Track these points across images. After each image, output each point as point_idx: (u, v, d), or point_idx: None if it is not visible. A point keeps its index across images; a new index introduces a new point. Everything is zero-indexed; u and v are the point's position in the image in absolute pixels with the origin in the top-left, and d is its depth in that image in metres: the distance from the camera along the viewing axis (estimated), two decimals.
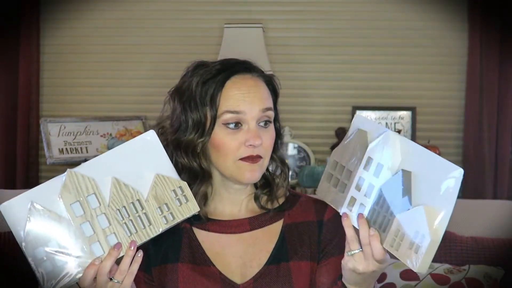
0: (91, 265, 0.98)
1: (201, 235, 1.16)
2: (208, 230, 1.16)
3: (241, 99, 1.10)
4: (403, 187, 0.94)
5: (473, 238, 1.88)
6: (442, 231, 0.90)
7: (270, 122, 1.14)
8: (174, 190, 1.04)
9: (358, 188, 1.02)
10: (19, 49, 2.86)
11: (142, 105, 2.95)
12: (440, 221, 0.90)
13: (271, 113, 1.13)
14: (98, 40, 2.98)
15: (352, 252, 1.00)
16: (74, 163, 2.77)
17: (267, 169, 1.19)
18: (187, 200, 1.04)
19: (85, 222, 1.00)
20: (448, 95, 2.92)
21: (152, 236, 1.02)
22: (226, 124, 1.10)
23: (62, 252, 0.98)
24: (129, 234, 1.01)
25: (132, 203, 1.02)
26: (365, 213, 1.00)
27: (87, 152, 2.77)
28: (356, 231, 1.01)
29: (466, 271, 1.76)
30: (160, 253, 1.13)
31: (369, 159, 1.00)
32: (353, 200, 1.03)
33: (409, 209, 0.93)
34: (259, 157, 1.10)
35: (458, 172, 0.89)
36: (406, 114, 2.90)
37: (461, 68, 2.88)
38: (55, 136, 2.75)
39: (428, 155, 0.93)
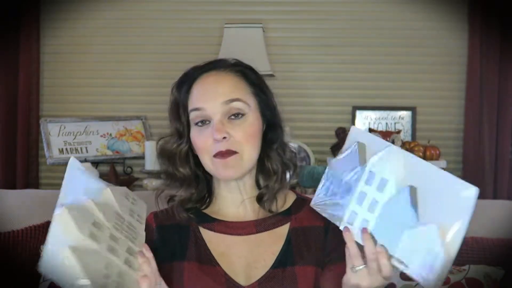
0: (142, 279, 0.98)
1: (207, 234, 1.16)
2: (214, 230, 1.16)
3: (201, 96, 1.11)
4: (410, 203, 0.91)
5: (473, 238, 1.87)
6: (456, 246, 0.87)
7: (242, 114, 1.11)
8: (126, 196, 1.07)
9: (359, 202, 0.99)
10: (19, 49, 2.87)
11: (142, 105, 2.95)
12: (453, 236, 0.88)
13: (239, 104, 1.10)
14: (98, 40, 2.98)
15: (357, 269, 0.97)
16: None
17: (269, 170, 1.18)
18: (135, 200, 1.09)
19: (107, 247, 0.96)
20: (448, 95, 2.92)
21: (144, 237, 1.04)
22: (196, 123, 1.11)
23: (112, 281, 0.94)
24: (134, 242, 1.02)
25: (116, 216, 1.01)
26: (370, 228, 0.96)
27: (87, 152, 2.77)
28: (359, 246, 0.98)
29: (466, 271, 1.76)
30: (167, 251, 1.13)
31: (371, 174, 0.97)
32: (353, 215, 1.00)
33: (417, 226, 0.90)
34: (230, 152, 1.08)
35: (473, 191, 0.87)
36: (406, 114, 2.90)
37: (461, 68, 2.88)
38: (55, 136, 2.75)
39: (436, 171, 0.91)
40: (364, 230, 0.96)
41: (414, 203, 0.91)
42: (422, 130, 2.90)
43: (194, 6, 2.98)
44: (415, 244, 0.89)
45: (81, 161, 2.79)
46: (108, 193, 1.02)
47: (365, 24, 2.94)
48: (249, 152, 1.11)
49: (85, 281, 0.88)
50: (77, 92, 3.00)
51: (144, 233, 1.05)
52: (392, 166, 0.95)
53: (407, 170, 0.94)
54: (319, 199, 1.07)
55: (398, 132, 2.82)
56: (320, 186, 1.07)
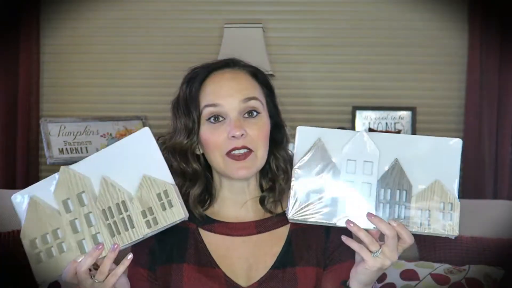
0: (72, 262, 1.00)
1: (207, 236, 1.15)
2: (214, 232, 1.15)
3: (218, 92, 1.10)
4: (401, 173, 1.00)
5: (473, 238, 1.88)
6: (457, 190, 1.01)
7: (257, 112, 1.11)
8: (159, 194, 1.00)
9: (350, 192, 1.01)
10: (19, 49, 2.86)
11: (142, 105, 2.95)
12: (455, 183, 1.00)
13: (255, 103, 1.11)
14: (98, 40, 2.98)
15: (378, 253, 0.98)
16: (74, 163, 2.78)
17: (272, 170, 1.18)
18: (171, 205, 1.00)
19: (75, 219, 1.01)
20: (448, 95, 2.92)
21: (134, 240, 1.00)
22: (208, 119, 1.10)
23: (51, 247, 1.01)
24: (113, 236, 1.00)
25: (118, 204, 1.00)
26: (372, 211, 1.00)
27: (87, 152, 2.77)
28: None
29: (466, 271, 1.76)
30: (165, 252, 1.13)
31: (351, 162, 1.01)
32: (348, 206, 1.01)
33: (419, 188, 1.01)
34: (247, 150, 1.08)
35: (457, 142, 1.01)
36: (406, 114, 2.90)
37: (461, 68, 2.88)
38: (55, 136, 2.75)
39: (420, 139, 1.02)
40: (369, 215, 0.99)
41: (407, 173, 1.00)
42: (422, 130, 2.90)
43: (194, 6, 2.98)
44: (427, 205, 1.00)
45: None
46: (138, 180, 1.01)
47: (365, 24, 2.94)
48: (262, 151, 1.11)
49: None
50: (77, 92, 3.00)
51: (136, 238, 1.00)
52: (370, 148, 1.01)
53: (385, 147, 1.01)
54: (295, 210, 1.03)
55: (398, 132, 2.83)
56: (290, 199, 1.03)
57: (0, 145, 2.84)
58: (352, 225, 0.99)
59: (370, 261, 0.99)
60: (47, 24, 2.95)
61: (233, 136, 1.07)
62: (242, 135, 1.07)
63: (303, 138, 1.06)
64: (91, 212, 1.01)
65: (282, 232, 1.16)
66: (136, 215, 1.00)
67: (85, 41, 2.98)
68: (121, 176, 1.01)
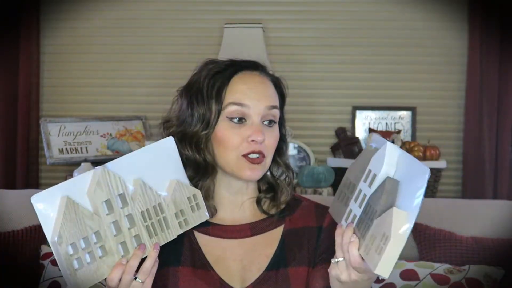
0: (118, 265, 0.98)
1: (202, 239, 1.15)
2: (209, 234, 1.15)
3: (247, 93, 1.10)
4: (387, 194, 0.92)
5: (473, 238, 1.87)
6: (406, 237, 0.88)
7: (275, 122, 1.13)
8: (189, 197, 1.08)
9: (356, 199, 1.01)
10: (19, 49, 2.86)
11: (142, 105, 2.95)
12: (406, 229, 0.88)
13: (276, 112, 1.13)
14: (98, 40, 2.98)
15: (336, 260, 0.98)
16: (74, 163, 2.78)
17: (272, 174, 1.19)
18: (199, 208, 1.09)
19: (114, 221, 1.00)
20: (448, 95, 2.92)
21: (169, 239, 1.05)
22: (231, 118, 1.10)
23: (91, 250, 0.97)
24: (151, 237, 1.03)
25: (154, 206, 1.04)
26: (355, 222, 0.98)
27: (87, 152, 2.77)
28: None
29: (466, 271, 1.76)
30: (161, 256, 1.14)
31: (369, 171, 1.00)
32: (350, 212, 1.02)
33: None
34: (261, 155, 1.10)
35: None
36: (406, 114, 2.90)
37: (461, 68, 2.88)
38: (55, 136, 2.74)
39: (412, 162, 0.92)
40: (349, 225, 0.97)
41: (392, 195, 0.92)
42: (422, 130, 2.90)
43: (194, 6, 2.97)
44: (376, 231, 0.91)
45: (81, 161, 2.78)
46: (172, 184, 1.06)
47: (365, 24, 2.94)
48: (270, 159, 1.14)
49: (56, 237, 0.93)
50: (77, 92, 3.00)
51: (171, 238, 1.06)
52: (386, 162, 0.97)
53: (400, 165, 0.96)
54: (333, 204, 1.10)
55: (398, 132, 2.83)
56: (336, 192, 1.10)
57: (0, 145, 2.84)
58: (339, 229, 0.99)
59: (331, 265, 0.99)
60: (47, 24, 2.95)
61: (253, 140, 1.08)
62: (263, 141, 1.09)
63: (369, 143, 1.09)
64: (130, 213, 1.01)
65: (276, 234, 1.16)
66: (171, 216, 1.05)
67: (85, 41, 2.98)
68: (154, 179, 1.04)
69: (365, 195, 0.98)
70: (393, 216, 0.88)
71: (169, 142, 1.07)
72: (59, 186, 0.96)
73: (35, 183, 2.90)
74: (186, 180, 1.09)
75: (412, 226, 0.88)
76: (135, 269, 0.99)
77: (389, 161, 0.96)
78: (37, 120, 2.88)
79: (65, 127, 2.78)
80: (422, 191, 0.87)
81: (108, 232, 0.99)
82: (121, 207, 1.00)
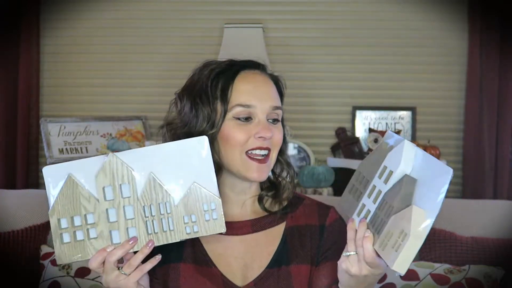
0: (101, 250, 1.00)
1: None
2: None
3: (252, 92, 1.11)
4: (405, 192, 0.94)
5: (473, 238, 1.87)
6: (425, 235, 0.89)
7: (278, 120, 1.15)
8: (205, 205, 1.02)
9: (369, 195, 1.02)
10: (19, 49, 2.87)
11: (142, 105, 2.95)
12: (426, 227, 0.90)
13: (280, 112, 1.15)
14: (98, 40, 2.98)
15: (348, 253, 0.99)
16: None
17: (273, 172, 1.19)
18: (215, 218, 1.02)
19: (111, 208, 1.01)
20: (448, 95, 2.92)
21: (170, 241, 1.02)
22: (238, 118, 1.10)
23: (83, 229, 1.01)
24: (149, 233, 1.02)
25: (161, 204, 1.02)
26: (368, 217, 0.99)
27: (87, 152, 2.77)
28: None
29: (466, 271, 1.76)
30: (163, 253, 1.14)
31: (384, 168, 1.01)
32: (363, 207, 1.02)
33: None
34: (267, 151, 1.11)
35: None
36: (406, 114, 2.90)
37: (461, 68, 2.88)
38: (55, 136, 2.75)
39: (434, 162, 0.94)
40: (362, 220, 0.99)
41: (409, 193, 0.93)
42: (422, 130, 2.90)
43: (194, 6, 2.98)
44: (393, 227, 0.92)
45: None
46: (186, 185, 1.02)
47: (365, 24, 2.94)
48: (276, 153, 1.14)
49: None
50: (77, 92, 3.00)
51: (172, 240, 1.03)
52: (403, 159, 0.97)
53: (415, 163, 0.97)
54: (343, 198, 1.10)
55: (398, 132, 2.83)
56: (347, 186, 1.10)
57: (0, 145, 2.84)
58: (351, 223, 1.01)
59: (341, 257, 1.01)
60: (47, 24, 2.95)
61: (260, 137, 1.09)
62: (271, 137, 1.10)
63: (383, 139, 1.07)
64: (131, 205, 1.01)
65: (278, 231, 1.16)
66: (178, 218, 1.02)
67: (85, 41, 2.98)
68: (169, 177, 1.02)
69: (380, 191, 0.99)
70: (412, 213, 0.89)
71: (201, 142, 1.03)
72: (70, 164, 1.01)
73: (35, 183, 2.90)
74: (210, 186, 1.02)
75: (432, 223, 0.89)
76: (116, 258, 0.99)
77: (406, 159, 0.97)
78: (37, 120, 2.88)
79: (65, 127, 2.78)
80: (445, 188, 0.89)
81: (102, 217, 1.01)
82: (123, 197, 1.01)
